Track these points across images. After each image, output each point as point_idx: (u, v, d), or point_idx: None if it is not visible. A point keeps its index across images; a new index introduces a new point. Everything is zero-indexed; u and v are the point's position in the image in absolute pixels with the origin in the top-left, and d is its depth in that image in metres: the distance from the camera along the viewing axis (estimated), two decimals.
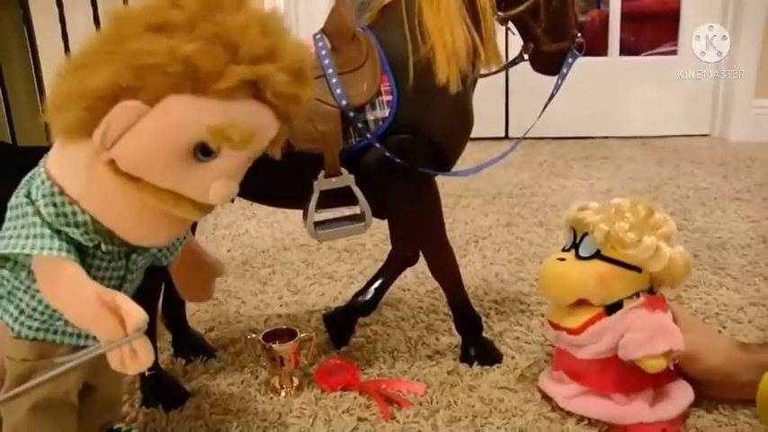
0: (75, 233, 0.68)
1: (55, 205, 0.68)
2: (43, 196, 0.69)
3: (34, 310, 0.73)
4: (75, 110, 0.63)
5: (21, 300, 0.73)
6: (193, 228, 1.08)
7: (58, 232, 0.68)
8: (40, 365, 0.73)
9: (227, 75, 0.63)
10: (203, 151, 0.65)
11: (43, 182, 0.69)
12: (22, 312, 0.73)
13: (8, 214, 0.70)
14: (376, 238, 1.71)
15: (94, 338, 0.73)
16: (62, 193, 0.69)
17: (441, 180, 1.12)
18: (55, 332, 0.74)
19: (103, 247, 0.71)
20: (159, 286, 1.08)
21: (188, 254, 0.86)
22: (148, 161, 0.65)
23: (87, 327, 0.68)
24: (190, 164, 0.65)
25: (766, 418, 0.89)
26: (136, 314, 0.65)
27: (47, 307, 0.72)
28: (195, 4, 0.64)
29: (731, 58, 2.69)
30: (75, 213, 0.69)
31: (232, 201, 1.04)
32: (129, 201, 0.67)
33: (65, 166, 0.69)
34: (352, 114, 0.99)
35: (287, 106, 0.69)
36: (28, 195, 0.69)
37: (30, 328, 0.73)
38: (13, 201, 0.70)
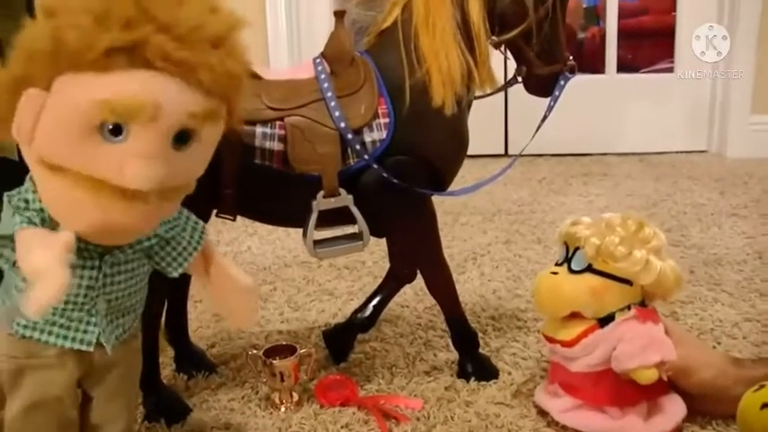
0: (38, 224, 0.70)
1: (26, 201, 0.72)
2: (18, 192, 0.72)
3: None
4: None
5: (14, 296, 0.74)
6: None
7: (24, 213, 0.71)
8: (30, 364, 0.75)
9: (95, 43, 0.62)
10: (112, 130, 0.64)
11: (27, 181, 0.73)
12: None
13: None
14: (376, 255, 1.73)
15: (81, 342, 0.76)
16: (35, 191, 0.72)
17: (440, 198, 1.14)
18: (42, 331, 0.75)
19: None
20: (162, 302, 1.10)
21: (214, 270, 0.84)
22: (61, 146, 0.65)
23: (29, 269, 0.66)
24: (101, 145, 0.64)
25: None
26: (62, 238, 0.66)
27: None
28: None
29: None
30: (42, 210, 0.71)
31: (234, 219, 1.08)
32: (63, 192, 0.68)
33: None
34: (350, 136, 1.02)
35: (194, 74, 0.66)
36: (11, 197, 0.73)
37: (18, 324, 0.75)
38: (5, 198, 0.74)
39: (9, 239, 0.71)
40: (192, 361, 1.23)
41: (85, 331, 0.76)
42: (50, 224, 0.71)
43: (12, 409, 0.76)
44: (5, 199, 0.73)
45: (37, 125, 0.65)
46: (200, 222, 0.84)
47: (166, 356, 1.23)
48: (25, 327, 0.75)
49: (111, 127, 0.64)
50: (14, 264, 0.72)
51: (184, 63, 0.65)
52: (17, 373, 0.76)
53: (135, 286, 0.80)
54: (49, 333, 0.75)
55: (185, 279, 1.14)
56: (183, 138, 0.68)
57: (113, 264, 0.76)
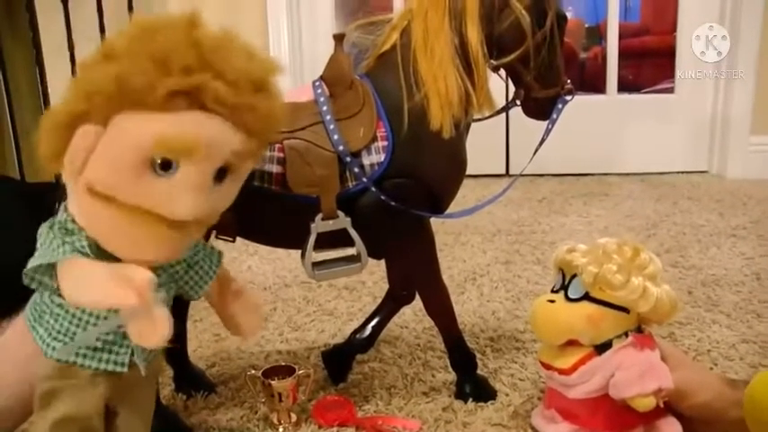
0: (88, 253, 0.74)
1: (67, 230, 0.76)
2: (59, 222, 0.77)
3: (58, 332, 0.78)
4: (50, 139, 0.71)
5: (47, 322, 0.79)
6: None
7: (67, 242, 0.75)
8: (64, 385, 0.78)
9: (158, 87, 0.68)
10: (162, 165, 0.69)
11: (62, 213, 0.77)
12: (49, 334, 0.78)
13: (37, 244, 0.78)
14: (376, 276, 1.74)
15: (115, 363, 0.79)
16: (74, 221, 0.76)
17: (440, 219, 1.15)
18: (76, 354, 0.78)
19: None
20: None
21: (224, 288, 0.90)
22: (113, 178, 0.70)
23: (107, 305, 0.73)
24: (152, 178, 0.69)
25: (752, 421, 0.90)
26: (143, 275, 0.71)
27: (67, 330, 0.78)
28: (136, 29, 0.71)
29: (727, 96, 2.74)
30: (80, 239, 0.75)
31: (233, 240, 1.08)
32: (110, 219, 0.72)
33: (71, 198, 0.76)
34: (348, 159, 1.03)
35: (240, 116, 0.72)
36: (51, 226, 0.77)
37: (54, 349, 0.78)
38: (39, 230, 0.78)
39: (49, 267, 0.75)
40: (192, 381, 1.24)
41: (117, 353, 0.80)
42: (92, 250, 0.75)
43: (41, 424, 0.79)
44: (45, 228, 0.77)
45: (89, 158, 0.70)
46: (216, 248, 0.90)
47: (166, 376, 1.23)
48: (61, 351, 0.78)
49: (161, 162, 0.69)
50: (56, 289, 0.76)
51: (235, 107, 0.72)
52: (50, 394, 0.78)
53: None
54: (84, 356, 0.79)
55: (184, 300, 1.15)
56: (222, 173, 0.75)
57: None
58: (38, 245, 0.77)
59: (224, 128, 0.72)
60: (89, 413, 0.79)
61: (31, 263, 0.75)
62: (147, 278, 0.71)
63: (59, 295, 0.76)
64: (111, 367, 0.79)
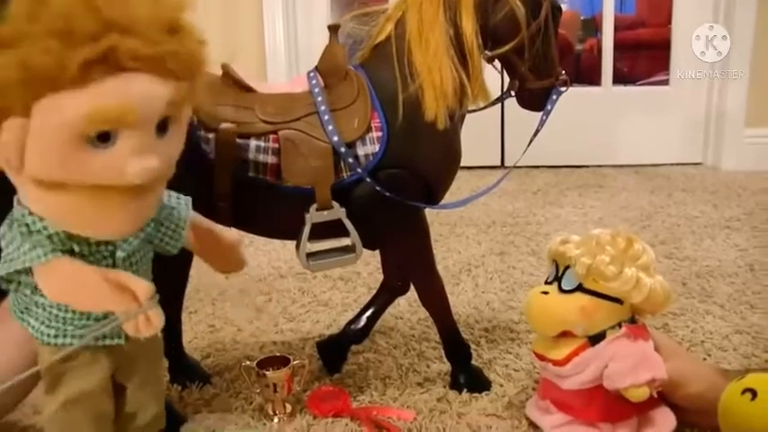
0: (47, 245, 0.73)
1: (27, 225, 0.73)
2: (16, 219, 0.74)
3: (48, 320, 0.78)
4: None
5: (36, 312, 0.79)
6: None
7: (37, 242, 0.73)
8: (67, 368, 0.79)
9: (69, 62, 0.63)
10: (100, 138, 0.65)
11: (17, 207, 0.75)
12: (42, 323, 0.78)
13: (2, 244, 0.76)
14: (371, 266, 1.74)
15: (111, 337, 0.79)
16: (31, 213, 0.73)
17: (435, 210, 1.15)
18: (72, 336, 0.78)
19: (76, 248, 0.74)
20: None
21: (199, 233, 0.89)
22: (55, 166, 0.66)
23: (102, 309, 0.76)
24: (94, 153, 0.66)
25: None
26: (143, 287, 0.74)
27: (56, 316, 0.78)
28: (23, 6, 0.65)
29: (722, 88, 2.75)
30: (46, 228, 0.73)
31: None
32: (68, 205, 0.70)
33: (20, 192, 0.74)
34: (343, 150, 1.03)
35: (163, 65, 0.68)
36: (11, 224, 0.75)
37: (49, 335, 0.78)
38: (2, 229, 0.76)
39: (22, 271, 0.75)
40: (186, 372, 1.24)
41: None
42: (59, 243, 0.74)
43: (50, 407, 0.80)
44: (5, 227, 0.76)
45: (24, 152, 0.66)
46: (183, 196, 0.86)
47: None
48: (56, 336, 0.78)
49: (98, 135, 0.66)
50: (35, 288, 0.76)
51: (154, 58, 0.67)
52: (56, 377, 0.79)
53: (145, 273, 0.83)
54: (81, 337, 0.78)
55: (179, 290, 1.15)
56: (163, 125, 0.71)
57: (125, 258, 0.79)
58: (2, 244, 0.75)
59: (151, 83, 0.68)
60: (95, 391, 0.80)
61: (3, 269, 0.74)
62: (146, 289, 0.73)
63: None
64: (108, 341, 0.79)
